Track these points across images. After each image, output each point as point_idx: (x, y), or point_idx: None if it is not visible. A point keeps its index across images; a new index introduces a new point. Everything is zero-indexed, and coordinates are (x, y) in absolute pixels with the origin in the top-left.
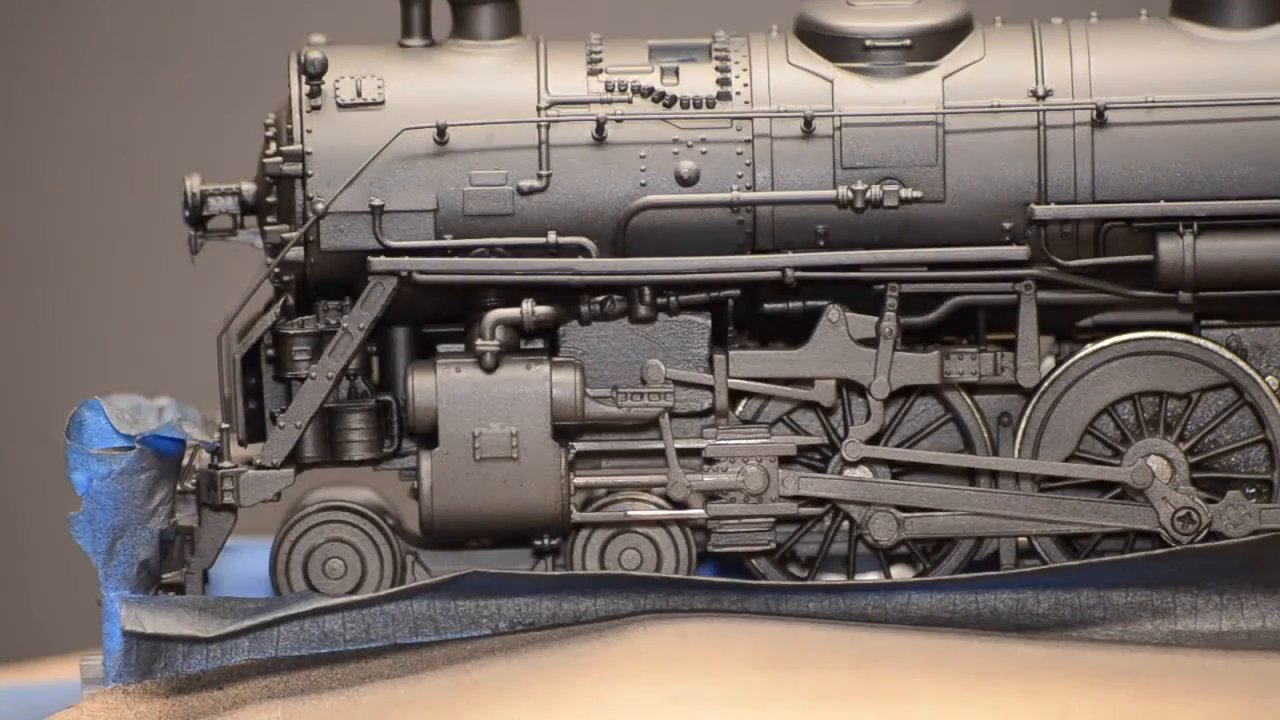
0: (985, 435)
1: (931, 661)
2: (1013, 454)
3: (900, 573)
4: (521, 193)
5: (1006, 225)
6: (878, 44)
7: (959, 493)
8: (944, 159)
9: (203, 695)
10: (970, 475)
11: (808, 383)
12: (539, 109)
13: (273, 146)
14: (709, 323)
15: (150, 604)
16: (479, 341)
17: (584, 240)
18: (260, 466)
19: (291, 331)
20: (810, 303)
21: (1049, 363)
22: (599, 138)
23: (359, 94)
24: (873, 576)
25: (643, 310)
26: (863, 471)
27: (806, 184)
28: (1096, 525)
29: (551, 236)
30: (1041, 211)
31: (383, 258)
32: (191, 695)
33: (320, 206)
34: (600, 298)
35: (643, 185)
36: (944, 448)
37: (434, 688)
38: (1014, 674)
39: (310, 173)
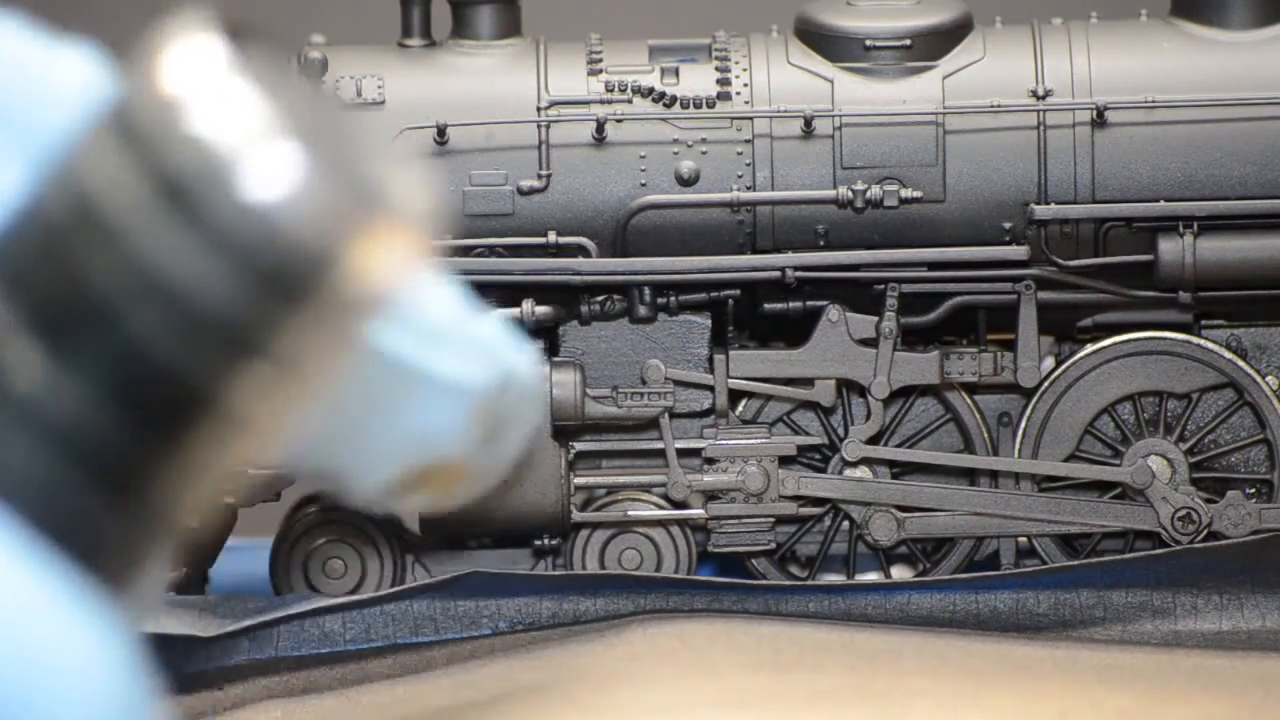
0: (985, 435)
1: (931, 661)
2: (1013, 454)
3: (900, 573)
4: (521, 193)
5: (1006, 225)
6: (878, 44)
7: (959, 493)
8: (944, 159)
9: (202, 695)
10: (970, 475)
11: (808, 383)
12: (539, 109)
13: None
14: (709, 323)
15: None
16: None
17: (584, 240)
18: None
19: None
20: (810, 303)
21: (1049, 363)
22: (599, 138)
23: (359, 94)
24: (872, 576)
25: (643, 310)
26: (863, 471)
27: (806, 184)
28: (1096, 525)
29: (551, 236)
30: (1041, 211)
31: None
32: (191, 695)
33: None
34: (600, 298)
35: (643, 185)
36: (944, 448)
37: (434, 687)
38: (1014, 674)
39: None
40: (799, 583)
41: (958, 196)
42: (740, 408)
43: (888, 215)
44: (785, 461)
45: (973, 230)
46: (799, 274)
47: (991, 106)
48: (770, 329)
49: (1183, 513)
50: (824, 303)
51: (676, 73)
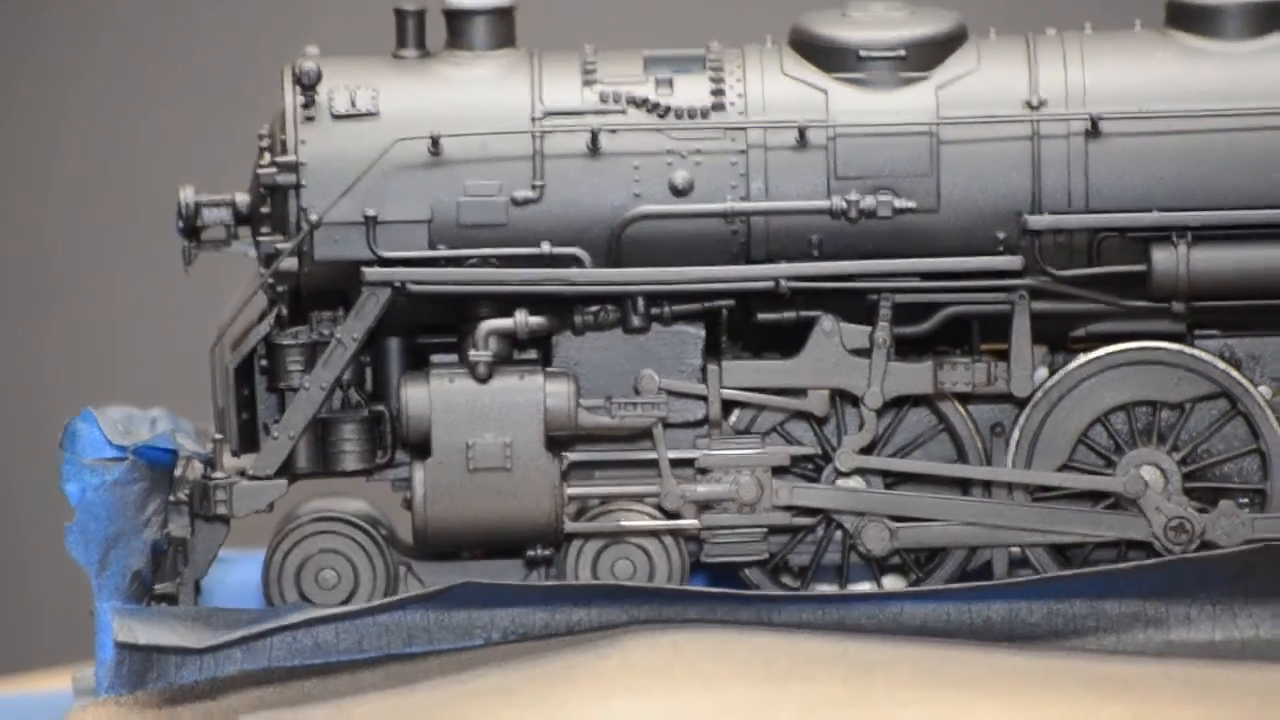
0: (978, 445)
1: (924, 672)
2: (1006, 464)
3: (893, 583)
4: (515, 203)
5: (1000, 235)
6: (872, 54)
7: (952, 503)
8: (938, 169)
9: (195, 706)
10: (963, 485)
11: (801, 393)
12: (533, 119)
13: (267, 157)
14: (703, 333)
15: (143, 615)
16: (472, 352)
17: (578, 250)
18: (253, 477)
19: (285, 342)
20: (804, 313)
21: (1042, 373)
22: (593, 148)
23: (353, 105)
24: (865, 587)
25: (636, 320)
26: (856, 481)
27: (800, 194)
28: (1090, 535)
29: (545, 247)
30: (1035, 221)
31: (376, 268)
32: (184, 706)
33: (314, 217)
34: (594, 308)
35: (637, 195)
36: (937, 458)
37: (427, 698)
38: (1007, 684)
39: (304, 183)
40: (792, 593)
41: (952, 207)
42: (733, 418)
43: (881, 225)
44: (778, 471)
45: (966, 240)
46: (793, 284)
47: (985, 117)
48: (764, 339)
49: (1176, 523)
50: (818, 313)
51: (671, 83)
